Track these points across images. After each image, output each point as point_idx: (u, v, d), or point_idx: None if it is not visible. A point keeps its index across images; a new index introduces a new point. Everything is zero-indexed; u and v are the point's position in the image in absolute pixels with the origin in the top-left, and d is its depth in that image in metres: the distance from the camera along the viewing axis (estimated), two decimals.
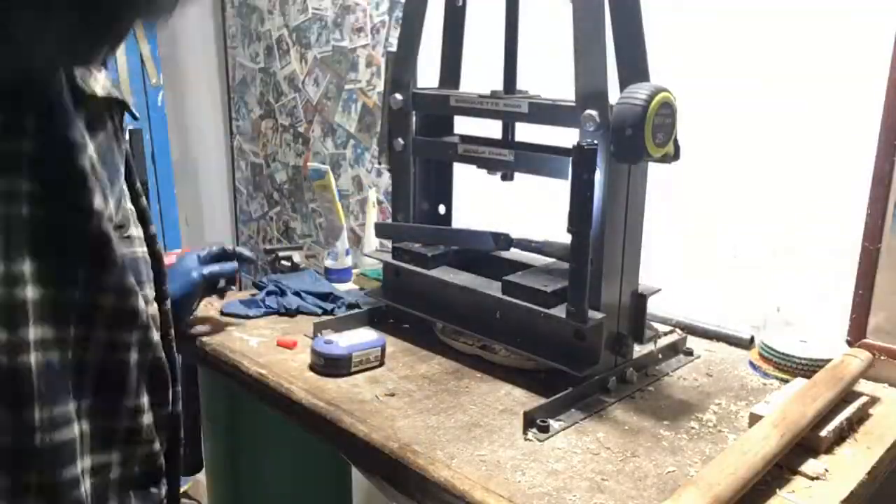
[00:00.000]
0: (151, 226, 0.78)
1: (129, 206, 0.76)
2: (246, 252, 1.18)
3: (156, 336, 0.73)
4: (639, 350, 1.04)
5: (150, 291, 0.77)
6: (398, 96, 1.11)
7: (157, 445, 0.76)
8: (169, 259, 1.07)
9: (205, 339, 1.12)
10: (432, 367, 1.05)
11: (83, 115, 0.62)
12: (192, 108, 2.58)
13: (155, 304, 0.78)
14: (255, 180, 2.37)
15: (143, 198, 0.78)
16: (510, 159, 1.02)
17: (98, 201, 0.61)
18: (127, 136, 0.88)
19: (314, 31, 1.99)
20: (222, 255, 1.15)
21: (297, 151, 2.16)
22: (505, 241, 1.05)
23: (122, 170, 0.74)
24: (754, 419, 0.86)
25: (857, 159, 1.04)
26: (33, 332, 0.57)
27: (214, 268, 1.12)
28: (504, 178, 1.14)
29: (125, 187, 0.75)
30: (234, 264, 1.14)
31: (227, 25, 2.35)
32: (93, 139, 0.63)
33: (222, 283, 1.14)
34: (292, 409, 0.96)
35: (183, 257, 1.14)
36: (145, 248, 0.77)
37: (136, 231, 0.76)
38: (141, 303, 0.70)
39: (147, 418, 0.74)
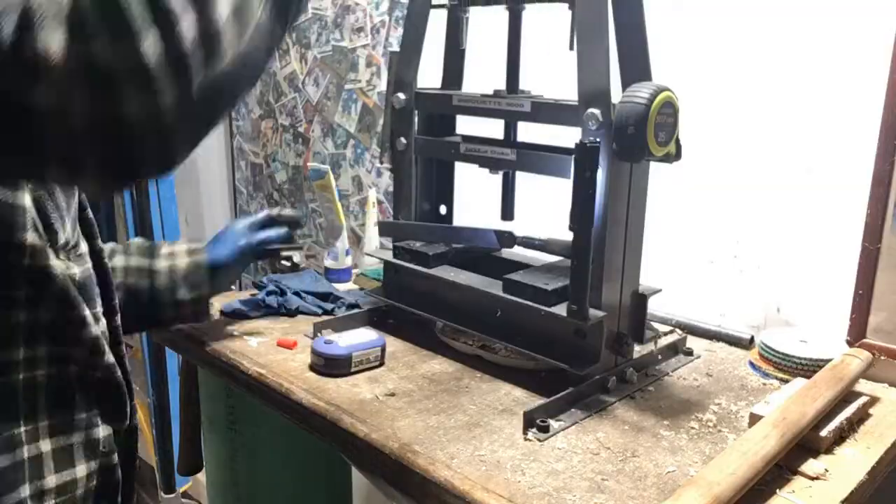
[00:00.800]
0: (96, 240, 0.76)
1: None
2: (287, 212, 1.17)
3: (105, 348, 0.72)
4: (639, 350, 1.04)
5: (98, 308, 0.74)
6: (401, 95, 1.11)
7: (115, 457, 0.75)
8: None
9: (205, 339, 1.12)
10: (432, 367, 1.05)
11: None
12: None
13: (104, 320, 0.75)
14: (255, 180, 2.37)
15: (89, 210, 0.75)
16: (512, 158, 1.02)
17: (31, 237, 0.62)
18: None
19: (314, 31, 1.99)
20: (269, 222, 1.14)
21: (297, 151, 2.16)
22: (509, 238, 1.05)
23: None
24: (754, 419, 0.86)
25: (857, 159, 1.04)
26: None
27: (263, 235, 1.11)
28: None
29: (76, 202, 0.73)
30: (283, 229, 1.14)
31: None
32: None
33: (276, 246, 1.13)
34: (292, 409, 0.96)
35: (231, 224, 1.13)
36: (90, 264, 0.75)
37: (84, 247, 0.73)
38: (87, 312, 0.69)
39: (103, 431, 0.73)
